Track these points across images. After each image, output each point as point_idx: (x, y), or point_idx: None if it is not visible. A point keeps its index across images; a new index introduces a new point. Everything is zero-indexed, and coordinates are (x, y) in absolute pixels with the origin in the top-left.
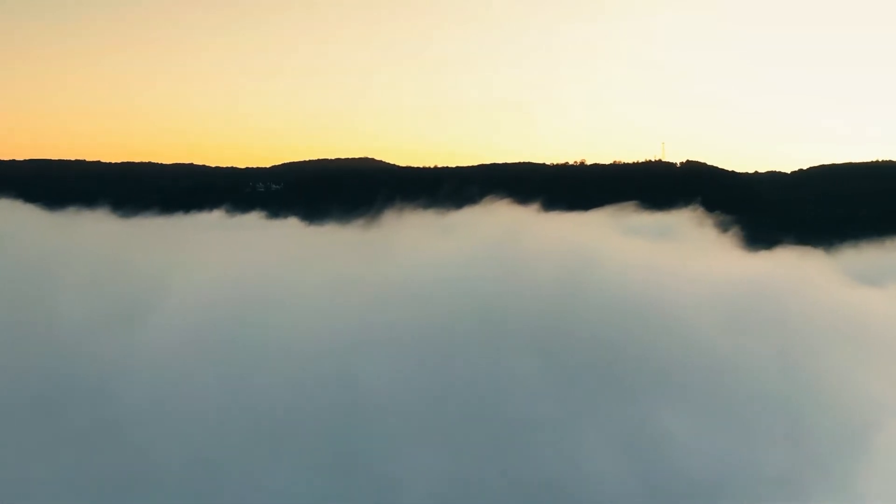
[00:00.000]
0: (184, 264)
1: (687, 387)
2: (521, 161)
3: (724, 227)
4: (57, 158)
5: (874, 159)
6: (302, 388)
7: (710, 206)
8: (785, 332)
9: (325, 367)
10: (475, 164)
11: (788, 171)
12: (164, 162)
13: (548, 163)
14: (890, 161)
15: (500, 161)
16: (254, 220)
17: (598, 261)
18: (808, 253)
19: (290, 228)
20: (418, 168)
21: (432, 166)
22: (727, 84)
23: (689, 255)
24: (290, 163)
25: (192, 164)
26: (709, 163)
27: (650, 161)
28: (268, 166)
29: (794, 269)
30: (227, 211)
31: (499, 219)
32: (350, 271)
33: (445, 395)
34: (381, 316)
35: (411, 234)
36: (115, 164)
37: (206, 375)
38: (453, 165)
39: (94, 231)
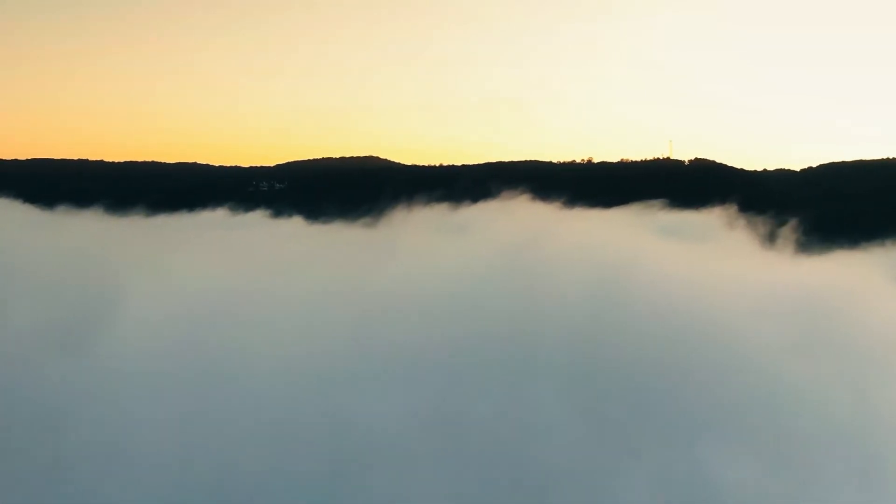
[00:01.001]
0: (166, 269)
1: (746, 422)
2: (529, 159)
3: (762, 229)
4: (59, 158)
5: (885, 157)
6: (283, 427)
7: (745, 204)
8: (854, 351)
9: (312, 402)
10: (481, 161)
11: (798, 169)
12: (166, 161)
13: (554, 161)
14: None
15: (506, 159)
16: (257, 219)
17: (636, 268)
18: (852, 255)
19: (294, 227)
20: (424, 166)
21: (437, 164)
22: (727, 83)
23: (733, 259)
24: (294, 161)
25: (195, 164)
26: (717, 160)
27: (658, 159)
28: (271, 165)
29: (849, 274)
30: (231, 209)
31: (518, 217)
32: (349, 285)
33: (456, 436)
34: (380, 340)
35: (420, 234)
36: (118, 163)
37: (170, 406)
38: (459, 164)
39: (89, 231)
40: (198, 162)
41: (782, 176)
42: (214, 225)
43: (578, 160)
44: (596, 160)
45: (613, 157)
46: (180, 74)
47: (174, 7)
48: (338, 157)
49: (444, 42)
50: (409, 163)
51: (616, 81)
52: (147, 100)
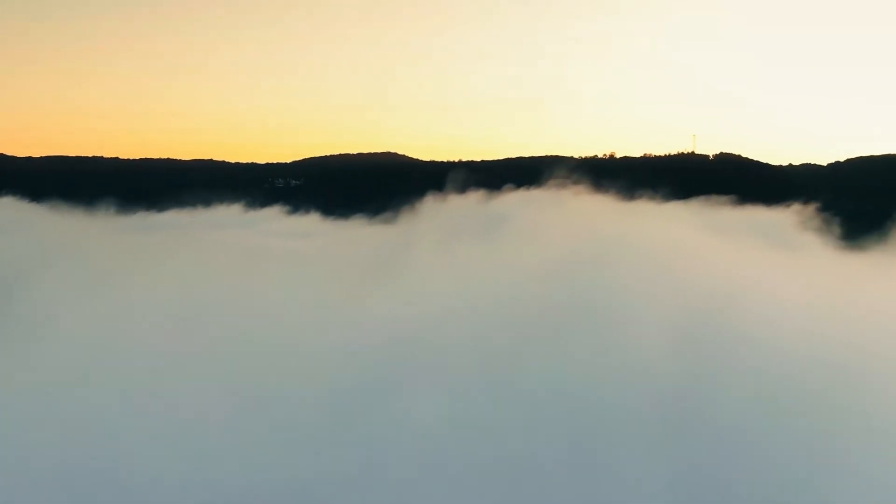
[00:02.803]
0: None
1: None
2: (549, 154)
3: (835, 229)
4: (74, 155)
5: None
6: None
7: (829, 202)
8: None
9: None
10: (500, 157)
11: (824, 164)
12: (182, 158)
13: (575, 156)
14: None
15: (526, 155)
16: (273, 215)
17: (743, 286)
18: None
19: (310, 223)
20: (443, 162)
21: (456, 160)
22: (730, 81)
23: (869, 273)
24: (311, 158)
25: (211, 160)
26: (743, 155)
27: (682, 153)
28: (287, 162)
29: None
30: (247, 205)
31: (571, 211)
32: (351, 315)
33: None
34: (379, 398)
35: (446, 236)
36: (134, 160)
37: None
38: (478, 160)
39: (89, 230)
40: (214, 159)
41: (810, 171)
42: (228, 221)
43: (601, 155)
44: (619, 155)
45: (634, 153)
46: (197, 71)
47: (192, 5)
48: (355, 153)
49: (462, 39)
50: (427, 159)
51: (630, 79)
52: (163, 97)
